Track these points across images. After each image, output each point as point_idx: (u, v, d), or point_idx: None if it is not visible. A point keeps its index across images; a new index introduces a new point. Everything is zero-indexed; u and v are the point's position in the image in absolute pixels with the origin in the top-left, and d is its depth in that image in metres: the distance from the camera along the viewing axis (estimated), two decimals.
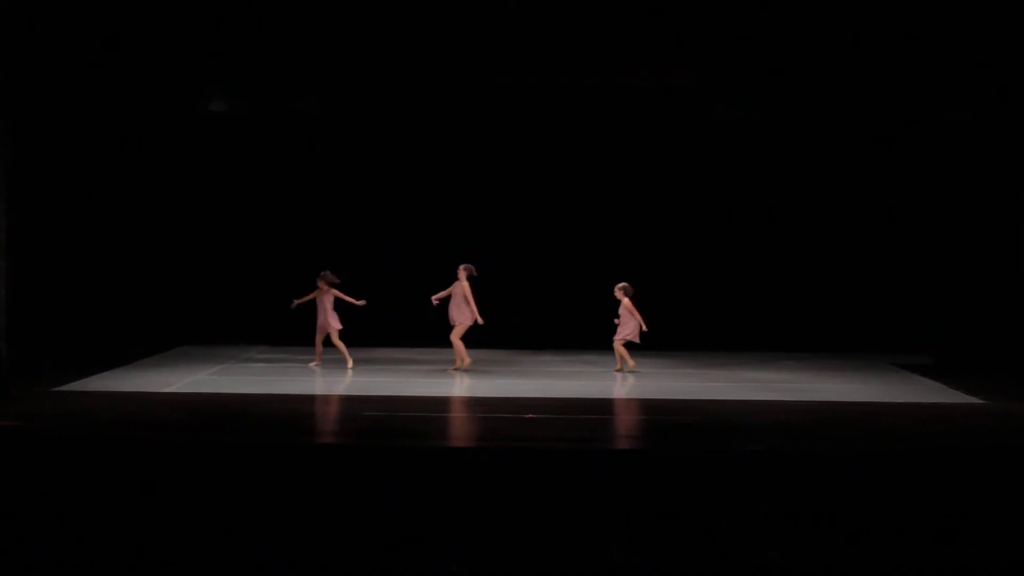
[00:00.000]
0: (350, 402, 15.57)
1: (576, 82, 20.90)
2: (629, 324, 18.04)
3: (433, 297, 18.22)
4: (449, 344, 18.33)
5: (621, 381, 17.57)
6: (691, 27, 19.45)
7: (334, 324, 18.25)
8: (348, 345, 18.31)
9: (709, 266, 21.92)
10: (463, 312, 17.99)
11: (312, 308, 18.39)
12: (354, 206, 21.90)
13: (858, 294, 21.72)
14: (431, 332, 20.67)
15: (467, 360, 18.18)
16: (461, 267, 18.11)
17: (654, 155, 21.94)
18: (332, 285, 18.25)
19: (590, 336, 19.72)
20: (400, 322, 21.29)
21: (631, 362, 18.16)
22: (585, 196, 21.97)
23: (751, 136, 21.80)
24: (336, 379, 17.45)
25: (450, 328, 18.17)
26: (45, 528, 9.22)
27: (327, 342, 18.41)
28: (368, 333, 20.75)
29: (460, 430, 14.25)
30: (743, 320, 21.72)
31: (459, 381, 17.42)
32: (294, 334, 19.28)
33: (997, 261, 19.78)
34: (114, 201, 20.06)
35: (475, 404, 15.61)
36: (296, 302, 18.37)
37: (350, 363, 18.26)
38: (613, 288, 18.17)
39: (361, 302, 18.30)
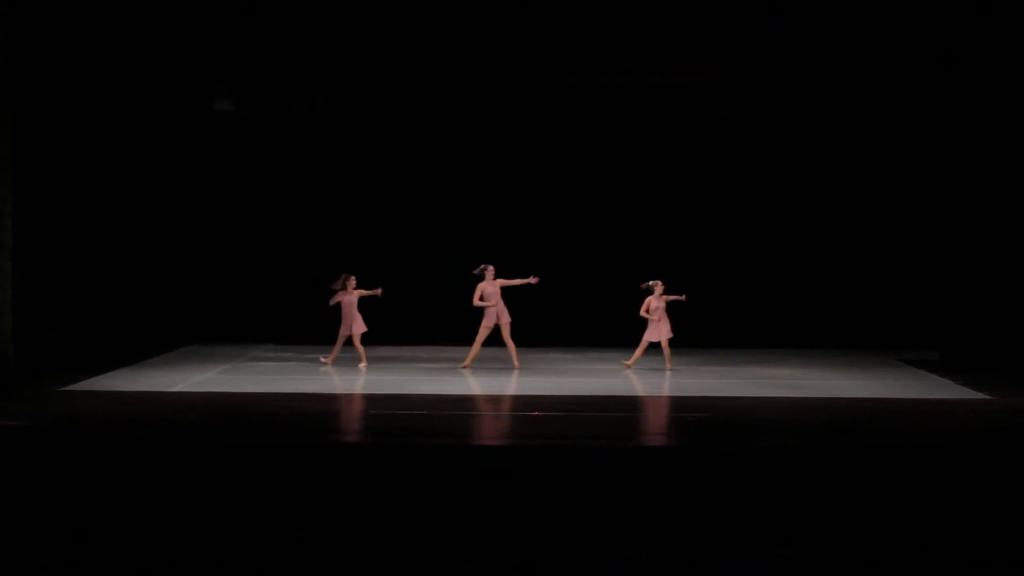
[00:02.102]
0: (358, 401, 15.57)
1: (583, 81, 20.91)
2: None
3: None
4: (462, 343, 18.38)
5: (632, 378, 17.60)
6: (701, 28, 19.49)
7: (359, 325, 18.26)
8: (351, 344, 18.33)
9: (717, 264, 21.88)
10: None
11: (330, 309, 18.38)
12: (361, 205, 21.88)
13: (864, 291, 21.70)
14: (438, 330, 20.75)
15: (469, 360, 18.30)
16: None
17: (663, 154, 21.91)
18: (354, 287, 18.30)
19: (598, 333, 19.70)
20: (409, 321, 21.32)
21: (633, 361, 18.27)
22: (595, 194, 21.94)
23: (758, 135, 21.79)
24: (342, 378, 17.45)
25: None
26: (52, 528, 9.22)
27: (350, 340, 18.47)
28: (375, 331, 20.78)
29: (469, 428, 14.25)
30: (751, 317, 21.69)
31: (467, 379, 17.42)
32: (300, 333, 19.28)
33: (1002, 257, 19.73)
34: (120, 201, 20.07)
35: (483, 402, 15.61)
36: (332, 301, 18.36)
37: (364, 363, 18.34)
38: (639, 284, 18.22)
39: (378, 291, 18.29)
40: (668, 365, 18.12)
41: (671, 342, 18.15)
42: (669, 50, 20.25)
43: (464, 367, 18.21)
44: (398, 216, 21.94)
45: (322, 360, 18.47)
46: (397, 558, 8.68)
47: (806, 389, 16.41)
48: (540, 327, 21.45)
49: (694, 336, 21.30)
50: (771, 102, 21.24)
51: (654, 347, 18.21)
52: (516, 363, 18.17)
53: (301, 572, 8.44)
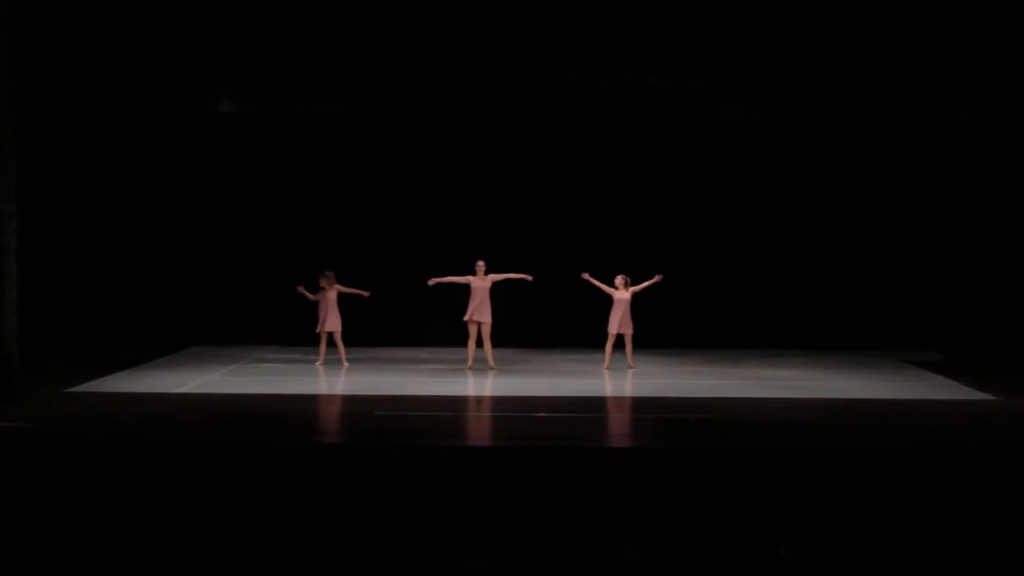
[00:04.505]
0: (361, 402, 15.56)
1: (583, 81, 20.90)
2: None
3: None
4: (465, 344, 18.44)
5: (630, 379, 17.62)
6: (701, 27, 19.49)
7: (336, 323, 18.41)
8: (354, 345, 18.38)
9: (718, 264, 21.90)
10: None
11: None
12: (362, 206, 21.88)
13: (868, 291, 21.70)
14: (438, 331, 20.72)
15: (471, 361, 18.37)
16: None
17: (663, 154, 21.93)
18: (333, 284, 18.46)
19: (599, 334, 19.68)
20: (408, 321, 21.33)
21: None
22: (594, 194, 21.95)
23: (758, 135, 21.80)
24: (346, 379, 17.45)
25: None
26: (56, 528, 9.24)
27: (330, 341, 18.59)
28: (374, 332, 20.79)
29: (471, 429, 14.26)
30: (753, 317, 21.70)
31: (470, 380, 17.43)
32: (305, 335, 19.26)
33: (1006, 257, 19.77)
34: (124, 202, 20.08)
35: (486, 403, 15.63)
36: (302, 291, 18.55)
37: (345, 363, 18.55)
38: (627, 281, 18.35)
39: (366, 293, 18.54)
40: (607, 364, 18.40)
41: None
42: (669, 50, 20.24)
43: (491, 368, 18.19)
44: (401, 216, 21.94)
45: (316, 366, 18.59)
46: (395, 558, 8.71)
47: (809, 390, 16.42)
48: (541, 328, 21.50)
49: (696, 336, 21.37)
50: (771, 102, 21.24)
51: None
52: (491, 364, 18.28)
53: (301, 571, 8.47)
